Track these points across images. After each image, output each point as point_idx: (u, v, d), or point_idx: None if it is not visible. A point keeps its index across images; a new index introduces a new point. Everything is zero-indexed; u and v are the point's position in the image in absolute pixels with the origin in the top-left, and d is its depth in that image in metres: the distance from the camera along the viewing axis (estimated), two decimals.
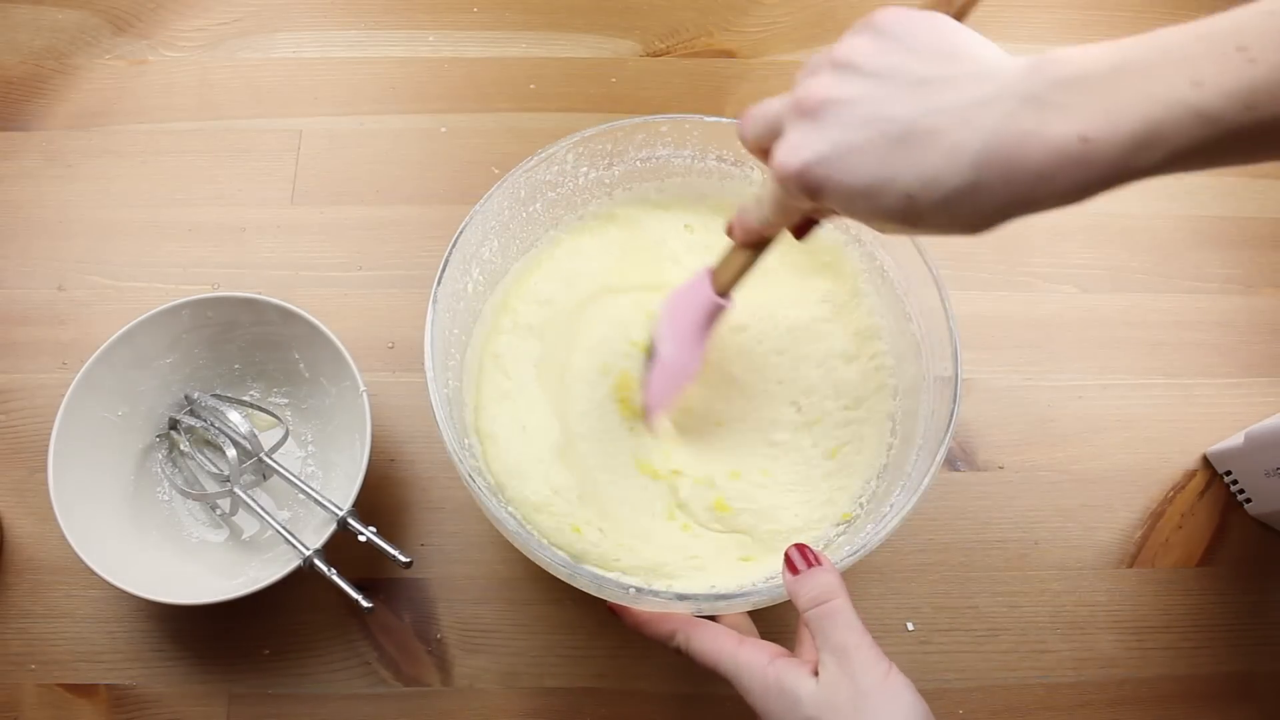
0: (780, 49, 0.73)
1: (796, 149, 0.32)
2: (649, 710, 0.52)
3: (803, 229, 0.40)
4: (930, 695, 0.36)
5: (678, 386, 0.47)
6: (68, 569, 0.54)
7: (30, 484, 0.56)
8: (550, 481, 0.47)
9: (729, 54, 0.73)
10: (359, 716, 0.51)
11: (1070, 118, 0.27)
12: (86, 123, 0.68)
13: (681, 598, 0.40)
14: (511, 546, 0.43)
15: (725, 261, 0.43)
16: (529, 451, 0.48)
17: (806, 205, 0.35)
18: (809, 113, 0.32)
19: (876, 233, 0.50)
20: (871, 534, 0.42)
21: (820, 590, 0.38)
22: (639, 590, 0.40)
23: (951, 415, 0.43)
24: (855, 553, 0.40)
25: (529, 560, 0.42)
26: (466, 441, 0.47)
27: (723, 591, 0.45)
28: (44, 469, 0.48)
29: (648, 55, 0.72)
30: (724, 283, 0.43)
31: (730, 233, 0.42)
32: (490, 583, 0.54)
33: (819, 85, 0.32)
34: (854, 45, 0.32)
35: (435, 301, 0.45)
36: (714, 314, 0.45)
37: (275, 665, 0.52)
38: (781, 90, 0.35)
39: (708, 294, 0.44)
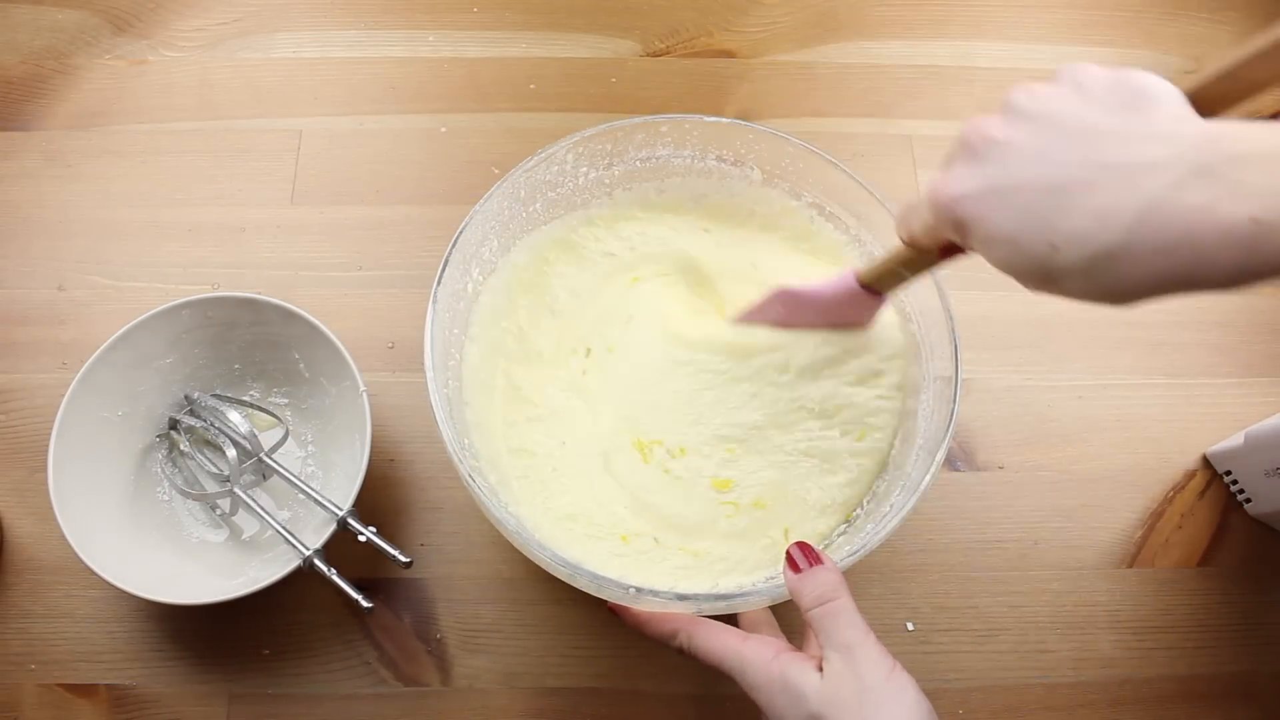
0: (780, 49, 0.73)
1: (952, 181, 0.32)
2: (651, 710, 0.52)
3: (948, 252, 0.38)
4: (930, 695, 0.36)
5: (771, 311, 0.48)
6: (68, 569, 0.54)
7: (30, 484, 0.56)
8: (594, 494, 0.48)
9: (729, 54, 0.73)
10: (359, 716, 0.51)
11: (1242, 197, 0.25)
12: (86, 123, 0.68)
13: (681, 598, 0.40)
14: (512, 546, 0.43)
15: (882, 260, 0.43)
16: (570, 464, 0.49)
17: (952, 237, 0.34)
18: (972, 148, 0.31)
19: (876, 232, 0.50)
20: (871, 534, 0.42)
21: (823, 589, 0.38)
22: (639, 590, 0.40)
23: (951, 415, 0.43)
24: (855, 553, 0.40)
25: (529, 560, 0.42)
26: (466, 441, 0.47)
27: (723, 591, 0.45)
28: (44, 469, 0.48)
29: (648, 55, 0.72)
30: (864, 274, 0.44)
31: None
32: (490, 583, 0.54)
33: (988, 123, 0.31)
34: (1032, 88, 0.31)
35: (435, 301, 0.45)
36: (845, 296, 0.45)
37: (275, 665, 0.52)
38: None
39: (848, 279, 0.44)
